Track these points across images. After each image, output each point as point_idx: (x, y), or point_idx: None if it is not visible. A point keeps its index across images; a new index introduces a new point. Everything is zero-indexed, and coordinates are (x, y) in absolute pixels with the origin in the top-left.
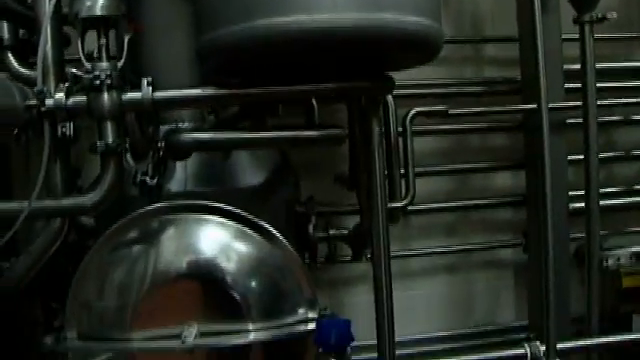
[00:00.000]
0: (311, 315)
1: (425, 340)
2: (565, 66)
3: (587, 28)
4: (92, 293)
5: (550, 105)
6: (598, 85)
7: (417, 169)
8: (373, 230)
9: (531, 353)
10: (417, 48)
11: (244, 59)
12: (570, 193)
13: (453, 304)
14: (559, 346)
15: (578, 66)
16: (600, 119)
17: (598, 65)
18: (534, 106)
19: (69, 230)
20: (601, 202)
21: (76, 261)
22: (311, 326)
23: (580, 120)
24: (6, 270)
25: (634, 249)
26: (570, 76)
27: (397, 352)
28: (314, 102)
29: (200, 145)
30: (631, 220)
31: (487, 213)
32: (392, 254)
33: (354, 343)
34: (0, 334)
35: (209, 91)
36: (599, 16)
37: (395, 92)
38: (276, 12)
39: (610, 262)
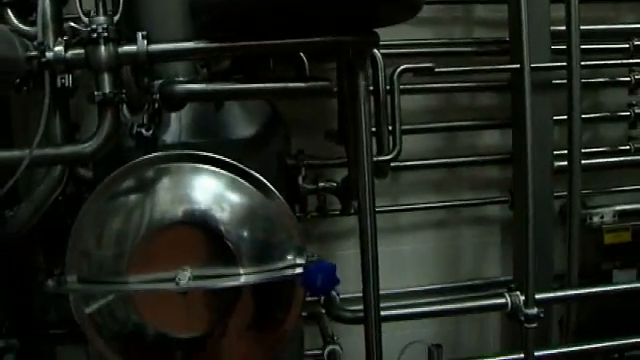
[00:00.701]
0: (299, 261)
1: (413, 293)
2: (554, 27)
3: None
4: (90, 241)
5: (535, 65)
6: (586, 47)
7: (407, 126)
8: (359, 181)
9: (511, 302)
10: (398, 4)
11: (235, 13)
12: (558, 152)
13: (441, 259)
14: (537, 296)
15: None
16: (587, 80)
17: (587, 27)
18: (519, 66)
19: (68, 181)
20: (587, 161)
21: (75, 212)
22: (299, 270)
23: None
24: (10, 218)
25: (618, 207)
26: (559, 37)
27: (384, 304)
28: (304, 58)
29: (192, 95)
30: (616, 179)
31: (475, 170)
32: (382, 209)
33: (343, 295)
34: (6, 277)
35: (201, 44)
36: None
37: (386, 51)
38: None
39: (594, 219)
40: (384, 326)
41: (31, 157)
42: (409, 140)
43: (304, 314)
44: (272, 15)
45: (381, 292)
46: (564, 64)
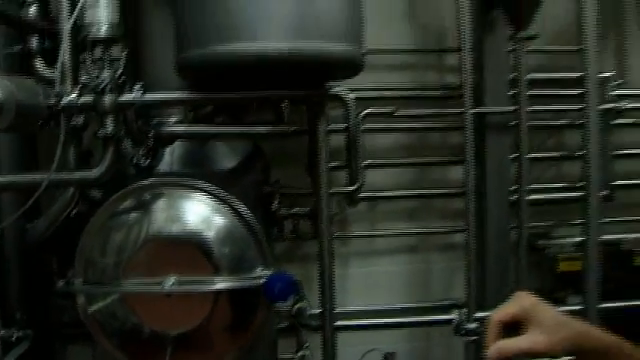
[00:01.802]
0: (265, 272)
1: (385, 311)
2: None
3: (520, 44)
4: (95, 250)
5: (493, 110)
6: (547, 92)
7: (383, 161)
8: (318, 209)
9: (456, 318)
10: (341, 67)
11: (208, 75)
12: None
13: (413, 281)
14: (477, 315)
15: (542, 74)
16: (550, 122)
17: (550, 75)
18: (474, 110)
19: (79, 200)
20: (550, 195)
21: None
22: (263, 280)
23: (540, 122)
24: (30, 229)
25: (577, 239)
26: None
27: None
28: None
29: (176, 135)
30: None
31: (445, 202)
32: (359, 234)
33: (316, 311)
34: (25, 280)
35: (185, 95)
36: (531, 34)
37: (362, 94)
38: (229, 40)
39: (552, 249)
40: (358, 340)
41: (49, 179)
42: (385, 173)
43: (283, 325)
44: (235, 75)
45: (355, 308)
46: (513, 108)
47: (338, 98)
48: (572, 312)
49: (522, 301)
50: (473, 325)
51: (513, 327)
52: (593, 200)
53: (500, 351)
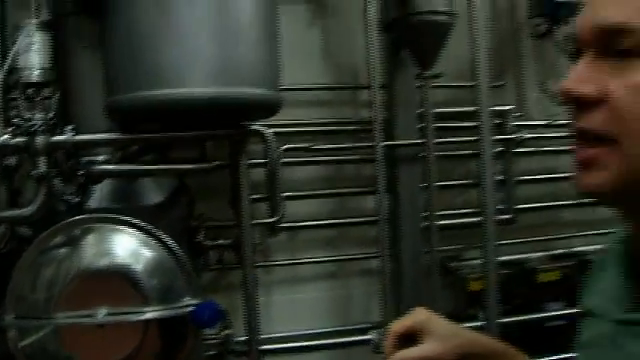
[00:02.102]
0: (194, 301)
1: (309, 335)
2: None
3: (426, 82)
4: (26, 286)
5: (402, 142)
6: (454, 125)
7: (303, 193)
8: (241, 241)
9: (376, 338)
10: (259, 109)
11: (137, 117)
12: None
13: (334, 306)
14: None
15: (449, 109)
16: (457, 152)
17: (456, 109)
18: (384, 143)
19: (10, 239)
20: (460, 220)
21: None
22: (191, 308)
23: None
24: None
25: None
26: (442, 116)
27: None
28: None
29: (104, 173)
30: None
31: (361, 230)
32: (281, 263)
33: (241, 338)
34: None
35: (113, 136)
36: (436, 72)
37: (282, 130)
38: (157, 86)
39: (463, 270)
40: None
41: None
42: (304, 204)
43: (212, 353)
44: (162, 118)
45: (280, 334)
46: (421, 141)
47: (258, 134)
48: (476, 327)
49: (417, 315)
50: None
51: (411, 340)
52: (490, 224)
53: None
